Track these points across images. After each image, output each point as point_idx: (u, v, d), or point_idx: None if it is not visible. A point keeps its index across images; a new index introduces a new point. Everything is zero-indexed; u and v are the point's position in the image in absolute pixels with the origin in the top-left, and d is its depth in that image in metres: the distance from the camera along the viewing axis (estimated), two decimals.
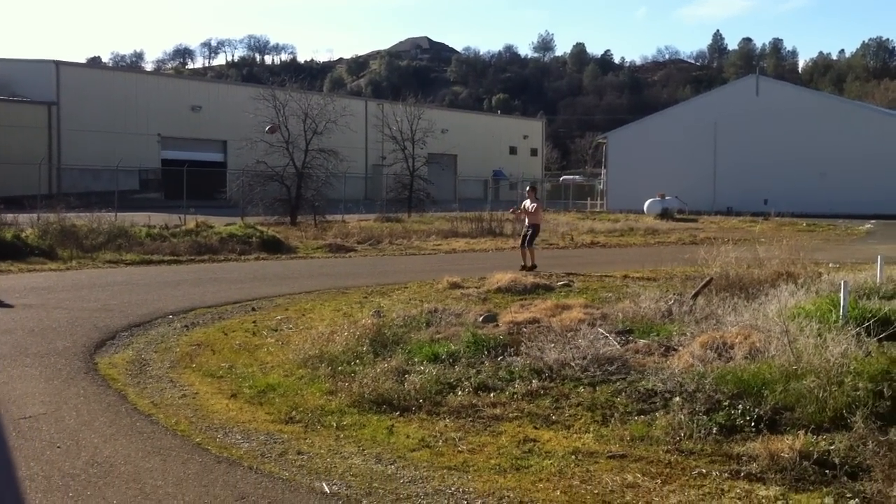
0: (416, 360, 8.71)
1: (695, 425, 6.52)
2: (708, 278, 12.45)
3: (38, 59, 61.27)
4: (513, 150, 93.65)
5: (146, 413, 7.45)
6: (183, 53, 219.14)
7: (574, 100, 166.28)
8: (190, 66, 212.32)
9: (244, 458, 6.24)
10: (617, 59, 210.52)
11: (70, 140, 56.20)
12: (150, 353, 10.13)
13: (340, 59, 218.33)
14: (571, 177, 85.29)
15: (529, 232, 19.36)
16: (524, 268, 18.37)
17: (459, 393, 7.69)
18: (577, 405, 7.34)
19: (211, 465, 6.06)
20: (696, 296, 11.63)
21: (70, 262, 19.86)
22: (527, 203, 19.84)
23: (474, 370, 8.30)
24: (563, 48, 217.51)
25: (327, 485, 5.68)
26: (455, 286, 15.29)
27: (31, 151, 50.33)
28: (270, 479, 5.79)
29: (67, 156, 55.17)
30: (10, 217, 24.53)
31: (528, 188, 20.81)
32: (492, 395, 7.64)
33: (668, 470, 5.84)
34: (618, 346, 8.89)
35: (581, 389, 7.70)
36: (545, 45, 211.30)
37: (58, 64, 58.51)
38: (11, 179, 44.47)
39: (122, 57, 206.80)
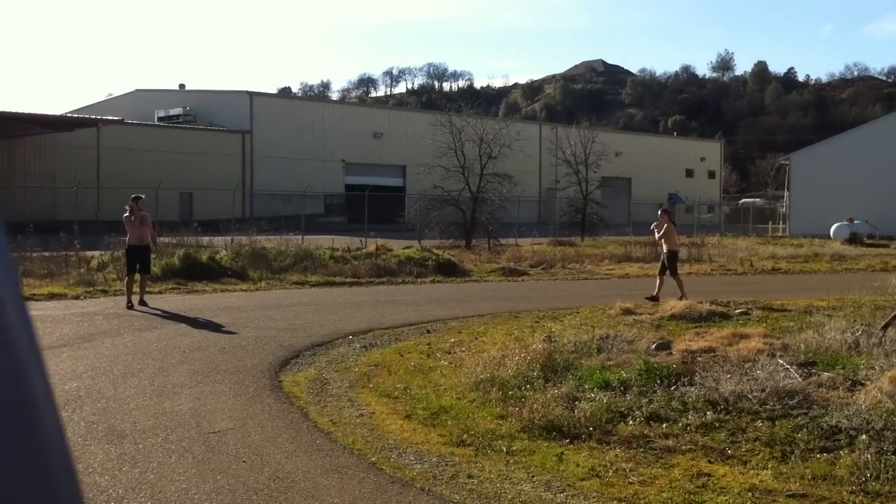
0: (586, 386, 8.68)
1: (882, 465, 6.16)
2: None
3: (234, 90, 65.27)
4: (689, 173, 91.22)
5: (326, 431, 7.79)
6: (366, 82, 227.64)
7: (755, 120, 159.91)
8: (373, 94, 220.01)
9: (417, 479, 6.43)
10: (801, 77, 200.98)
11: (261, 166, 59.43)
12: (330, 372, 10.58)
13: (515, 85, 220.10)
14: (752, 200, 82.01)
15: (667, 256, 18.32)
16: (680, 297, 17.24)
17: (630, 422, 7.60)
18: (755, 440, 7.09)
19: (385, 484, 6.27)
20: (886, 327, 10.97)
21: (259, 283, 21.00)
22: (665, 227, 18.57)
23: (646, 399, 8.18)
24: (743, 67, 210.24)
25: None
26: (627, 312, 15.08)
27: (227, 178, 53.64)
28: (441, 501, 5.94)
29: (259, 182, 58.36)
30: (206, 240, 26.26)
31: (660, 211, 19.15)
32: (664, 425, 7.50)
33: None
34: (799, 379, 8.51)
35: (759, 423, 7.43)
36: (724, 64, 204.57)
37: (251, 94, 62.18)
38: (209, 204, 47.57)
39: (311, 87, 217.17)
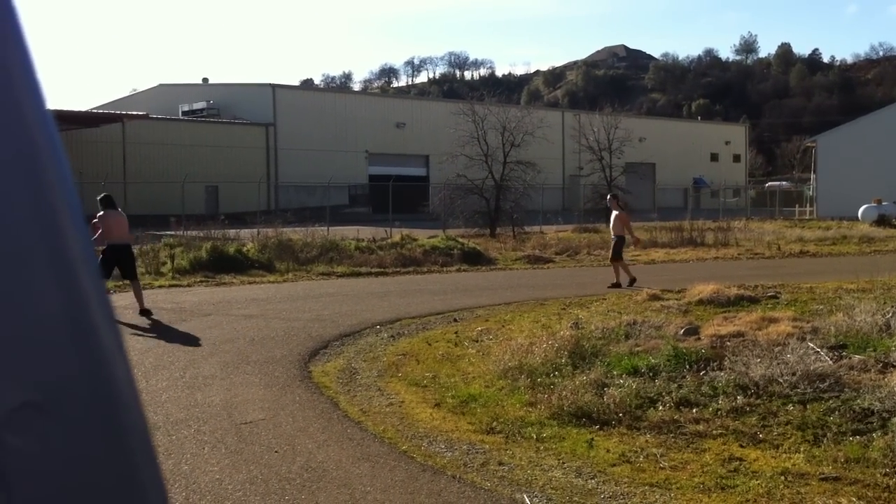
0: (615, 373, 8.67)
1: None
2: None
3: (257, 83, 65.50)
4: (714, 157, 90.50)
5: (356, 420, 7.84)
6: (388, 72, 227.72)
7: (780, 103, 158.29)
8: (394, 84, 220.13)
9: (447, 466, 6.46)
10: (826, 58, 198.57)
11: (286, 158, 59.66)
12: (359, 361, 10.63)
13: (537, 72, 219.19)
14: (777, 183, 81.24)
15: (614, 242, 18.82)
16: (613, 285, 17.97)
17: (660, 407, 7.59)
18: (786, 423, 7.05)
19: (416, 472, 6.31)
20: None
21: (286, 275, 21.11)
22: (615, 214, 19.22)
23: (675, 384, 8.15)
24: (767, 49, 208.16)
25: (528, 497, 5.77)
26: (654, 297, 15.01)
27: (252, 170, 53.92)
28: (473, 488, 5.96)
29: (284, 173, 58.59)
30: (232, 232, 26.43)
31: (608, 197, 19.99)
32: (694, 410, 7.48)
33: (886, 494, 5.52)
34: (830, 362, 8.45)
35: (790, 407, 7.39)
36: (748, 47, 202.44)
37: (274, 87, 62.37)
38: (234, 197, 47.87)
39: (333, 78, 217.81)
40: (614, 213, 19.22)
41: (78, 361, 0.69)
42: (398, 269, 22.71)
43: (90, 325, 0.71)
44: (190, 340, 11.96)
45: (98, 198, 14.97)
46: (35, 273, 0.69)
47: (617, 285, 18.00)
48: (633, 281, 18.00)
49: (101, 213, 14.68)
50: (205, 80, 73.08)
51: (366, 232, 29.52)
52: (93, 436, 0.69)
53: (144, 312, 14.06)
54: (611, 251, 19.01)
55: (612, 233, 19.26)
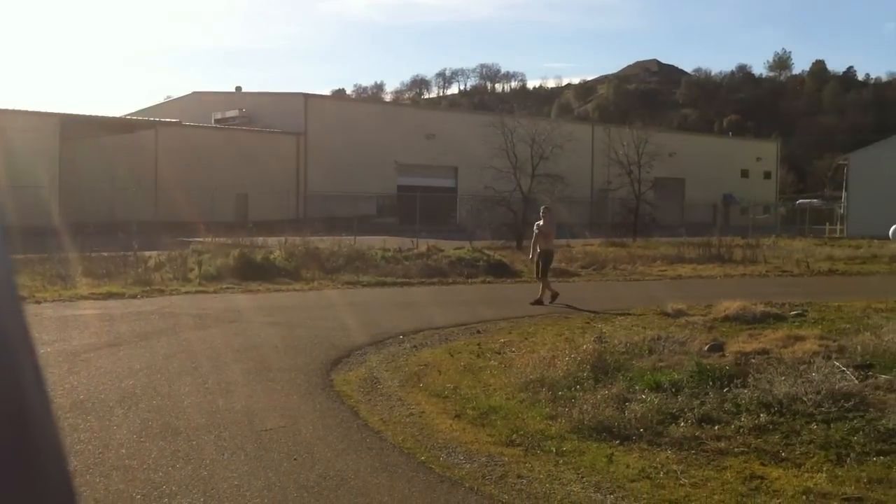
0: (637, 388, 8.62)
1: None
2: None
3: (289, 92, 66.02)
4: (744, 174, 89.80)
5: (376, 429, 7.84)
6: (419, 84, 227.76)
7: (812, 120, 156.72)
8: (426, 95, 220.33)
9: (466, 478, 6.44)
10: (861, 76, 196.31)
11: (315, 168, 59.92)
12: (381, 371, 10.64)
13: (568, 85, 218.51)
14: (808, 201, 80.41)
15: (541, 261, 18.16)
16: (537, 301, 17.74)
17: (682, 424, 7.53)
18: (809, 442, 6.98)
19: (434, 483, 6.30)
20: None
21: (312, 283, 21.19)
22: (539, 224, 18.54)
23: (698, 401, 8.09)
24: (801, 66, 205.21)
25: None
26: (679, 313, 14.92)
27: (282, 179, 54.24)
28: (490, 501, 5.95)
29: (313, 183, 58.87)
30: (260, 240, 26.60)
31: (542, 209, 19.16)
32: (716, 427, 7.42)
33: None
34: (856, 382, 8.36)
35: (813, 426, 7.32)
36: (781, 63, 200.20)
37: (306, 96, 62.82)
38: (264, 205, 48.20)
39: (364, 88, 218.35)
40: (543, 224, 18.42)
41: None
42: (423, 280, 22.72)
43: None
44: (214, 347, 12.03)
45: None
46: None
47: (541, 302, 17.73)
48: (541, 302, 17.79)
49: None
50: (238, 88, 73.69)
51: (393, 242, 29.58)
52: None
53: None
54: (541, 268, 18.24)
55: (538, 247, 18.34)
